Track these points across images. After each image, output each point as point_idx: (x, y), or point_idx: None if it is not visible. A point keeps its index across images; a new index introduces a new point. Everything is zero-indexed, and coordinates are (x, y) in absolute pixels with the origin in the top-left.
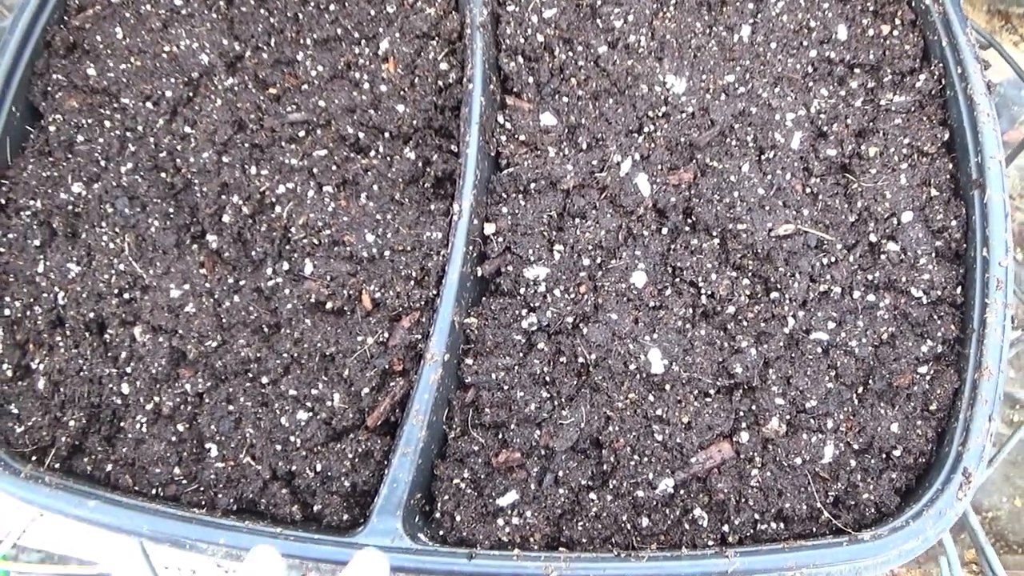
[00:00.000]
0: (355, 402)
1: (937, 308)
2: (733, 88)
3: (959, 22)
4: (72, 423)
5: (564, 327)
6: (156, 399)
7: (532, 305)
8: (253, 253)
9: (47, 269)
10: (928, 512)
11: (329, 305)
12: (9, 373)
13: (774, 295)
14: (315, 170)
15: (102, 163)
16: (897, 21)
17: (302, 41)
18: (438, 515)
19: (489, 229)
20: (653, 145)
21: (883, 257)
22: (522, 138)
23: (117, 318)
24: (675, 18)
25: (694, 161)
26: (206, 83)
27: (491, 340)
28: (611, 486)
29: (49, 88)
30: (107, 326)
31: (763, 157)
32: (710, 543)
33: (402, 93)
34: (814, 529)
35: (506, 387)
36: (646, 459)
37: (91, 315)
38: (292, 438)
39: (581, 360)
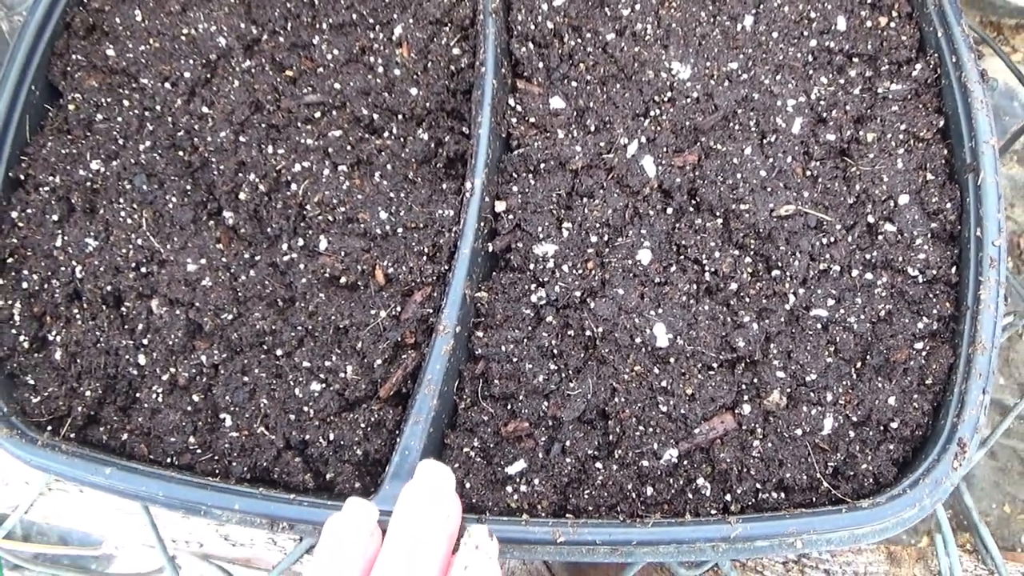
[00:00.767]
0: (368, 373)
1: (933, 287)
2: (736, 75)
3: (954, 14)
4: (88, 393)
5: (572, 301)
6: (172, 370)
7: (541, 280)
8: (269, 229)
9: (65, 244)
10: (925, 481)
11: (343, 280)
12: (26, 345)
13: (775, 273)
14: (330, 150)
15: (120, 141)
16: (894, 13)
17: (318, 26)
18: None
19: (500, 207)
20: (659, 128)
21: (880, 238)
22: (532, 120)
23: (134, 291)
24: (680, 7)
25: (698, 144)
26: (224, 65)
27: (501, 314)
28: (617, 456)
29: (68, 68)
30: (124, 299)
31: (765, 141)
32: (713, 511)
33: (415, 77)
34: (814, 499)
35: (515, 359)
36: (651, 430)
37: (108, 288)
38: (305, 408)
39: (588, 333)
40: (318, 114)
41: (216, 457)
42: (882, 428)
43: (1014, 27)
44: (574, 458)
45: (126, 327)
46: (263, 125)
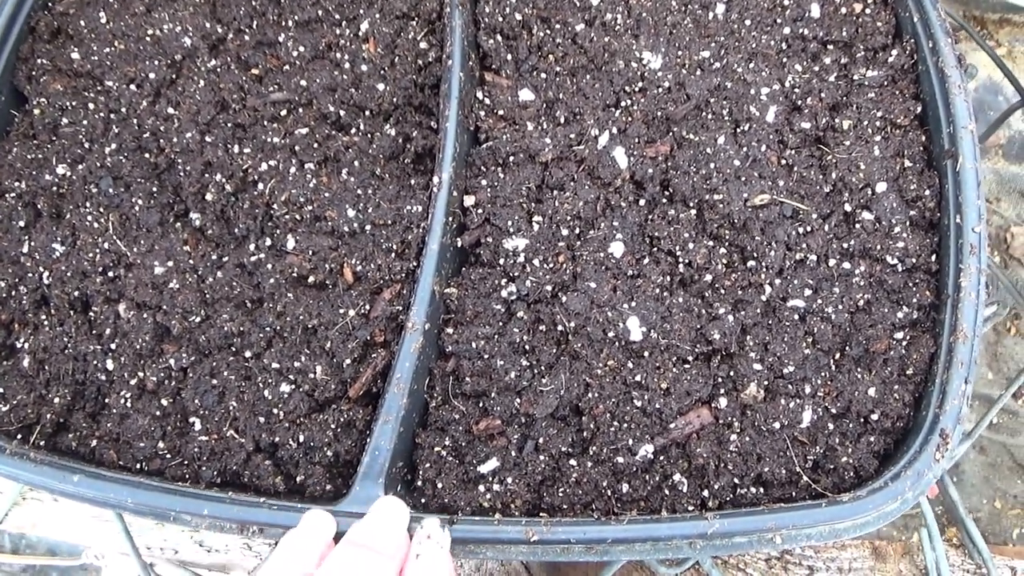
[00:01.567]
0: (337, 373)
1: (912, 275)
2: (708, 64)
3: None
4: (57, 400)
5: (543, 296)
6: (140, 374)
7: (511, 275)
8: (236, 230)
9: (32, 249)
10: (906, 474)
11: (311, 279)
12: None
13: (751, 263)
14: (297, 148)
15: (86, 145)
16: None
17: (284, 23)
18: (420, 483)
19: (469, 201)
20: (630, 119)
21: (858, 226)
22: (501, 113)
23: (101, 296)
24: None
25: (670, 134)
26: (189, 65)
27: (471, 310)
28: (591, 452)
29: (34, 72)
30: (91, 304)
31: (739, 130)
32: (690, 508)
33: (382, 72)
34: (793, 493)
35: (486, 356)
36: (625, 425)
37: (76, 293)
38: (275, 410)
39: (560, 328)
40: (284, 112)
41: (186, 462)
42: (862, 420)
43: (998, 21)
44: (547, 456)
45: (94, 332)
46: (229, 124)
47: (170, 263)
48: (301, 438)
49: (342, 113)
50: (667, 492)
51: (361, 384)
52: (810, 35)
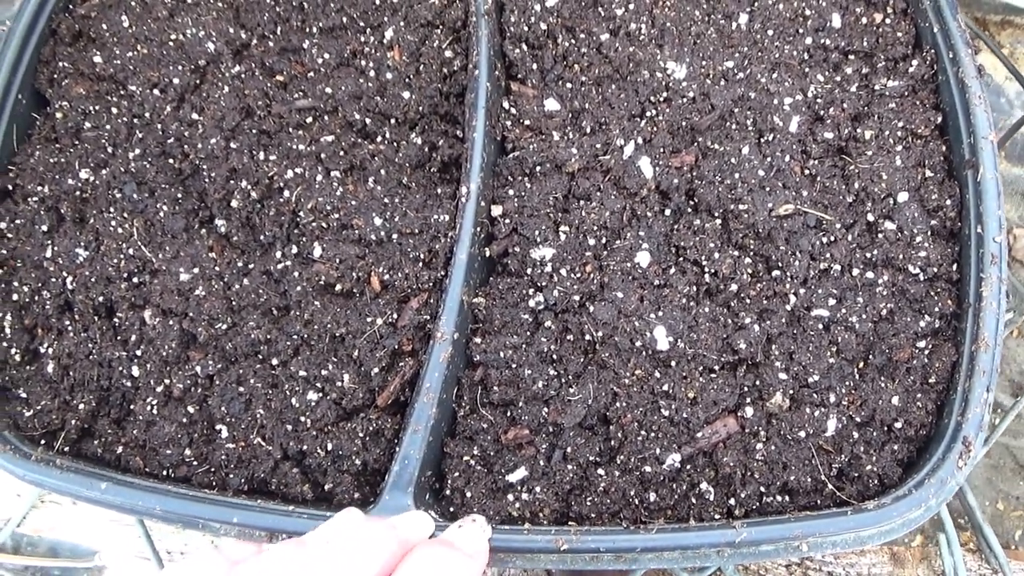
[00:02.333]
0: (365, 382)
1: (934, 284)
2: (732, 74)
3: (950, 9)
4: (82, 406)
5: (571, 306)
6: (166, 381)
7: (539, 285)
8: (262, 237)
9: (55, 254)
10: (930, 481)
11: (338, 287)
12: (18, 358)
13: (775, 273)
14: (323, 155)
15: (109, 149)
16: (889, 9)
17: (308, 30)
18: (448, 492)
19: (496, 211)
20: (655, 129)
21: (880, 236)
22: (527, 123)
23: (126, 302)
24: (674, 6)
25: (695, 144)
26: (213, 70)
27: (499, 319)
28: (619, 461)
29: (55, 76)
30: (116, 310)
31: (762, 140)
32: (717, 516)
33: (407, 80)
34: (818, 501)
35: (514, 365)
36: (653, 434)
37: (100, 299)
38: (303, 418)
39: (588, 338)
40: (310, 119)
41: (213, 469)
42: (886, 428)
43: (999, 23)
44: (575, 465)
45: (119, 338)
46: (254, 131)
47: (196, 270)
48: (329, 446)
49: (368, 121)
50: (694, 501)
51: (389, 393)
52: (832, 45)
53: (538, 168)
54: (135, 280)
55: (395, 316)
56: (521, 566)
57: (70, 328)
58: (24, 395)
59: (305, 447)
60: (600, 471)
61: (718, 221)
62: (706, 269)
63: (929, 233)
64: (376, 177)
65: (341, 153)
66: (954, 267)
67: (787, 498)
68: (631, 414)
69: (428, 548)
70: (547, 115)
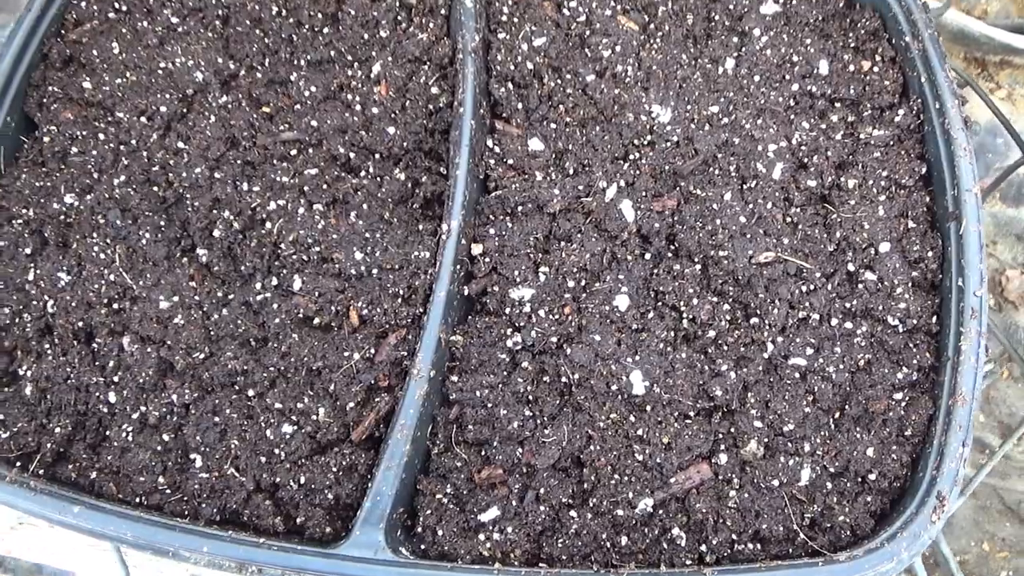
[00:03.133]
0: (340, 416)
1: (913, 336)
2: (717, 119)
3: (938, 59)
4: (58, 430)
5: (548, 347)
6: (142, 408)
7: (517, 325)
8: (242, 268)
9: (37, 277)
10: (903, 535)
11: (317, 320)
12: None
13: (754, 320)
14: (306, 188)
15: (95, 175)
16: (877, 57)
17: (296, 62)
18: (420, 529)
19: (476, 249)
20: (638, 172)
21: (861, 286)
22: (510, 162)
23: (106, 327)
24: (661, 49)
25: (678, 189)
26: (200, 100)
27: (476, 358)
28: (591, 504)
29: (44, 100)
30: (95, 335)
31: (745, 186)
32: (688, 562)
33: (393, 115)
34: (790, 550)
35: (490, 404)
36: (626, 478)
37: (80, 324)
38: (276, 450)
39: (564, 380)
40: (294, 151)
41: (185, 498)
42: (860, 479)
43: (998, 63)
44: (548, 506)
45: (97, 364)
46: (239, 161)
47: (176, 298)
48: (302, 479)
49: (352, 155)
50: (665, 546)
51: (364, 428)
52: (818, 92)
53: (520, 208)
54: (115, 306)
55: (372, 351)
56: None
57: (49, 352)
58: (1, 416)
59: (278, 479)
60: (572, 513)
61: (698, 267)
62: (684, 314)
63: (910, 284)
64: (358, 211)
65: (324, 186)
66: (934, 319)
67: (759, 546)
68: (605, 457)
69: None
70: (531, 155)
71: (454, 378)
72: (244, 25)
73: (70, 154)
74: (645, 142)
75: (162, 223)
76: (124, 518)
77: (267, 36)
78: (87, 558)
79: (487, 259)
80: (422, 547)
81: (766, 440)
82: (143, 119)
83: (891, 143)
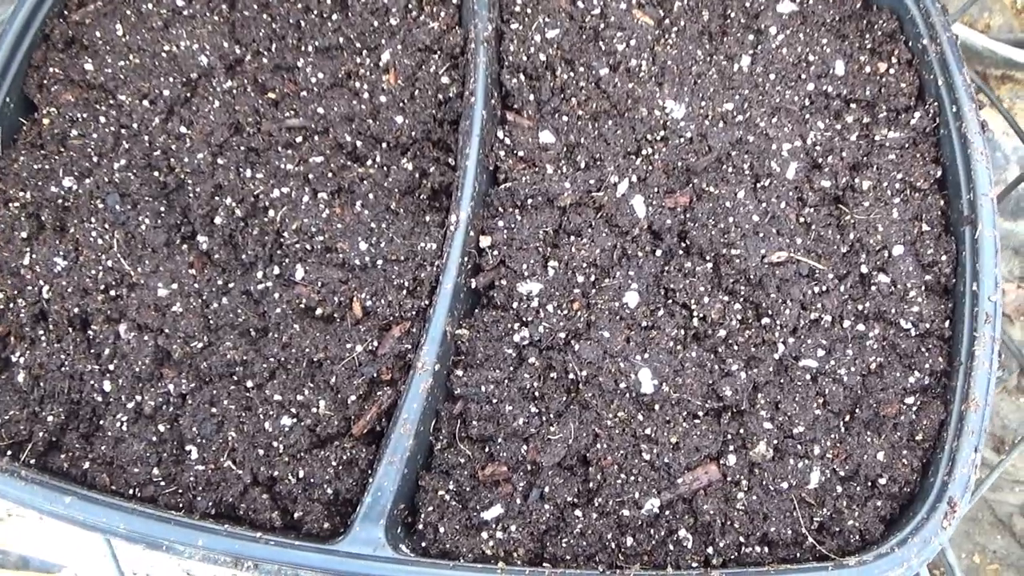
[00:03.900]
0: (341, 409)
1: (925, 340)
2: (731, 116)
3: (955, 62)
4: (51, 418)
5: (556, 343)
6: (138, 398)
7: (524, 319)
8: (244, 256)
9: (33, 262)
10: (913, 540)
11: (319, 311)
12: None
13: (765, 321)
14: (311, 176)
15: (95, 159)
16: (893, 60)
17: (303, 48)
18: (421, 526)
19: (484, 242)
20: (650, 168)
21: (873, 288)
22: (521, 154)
23: (102, 314)
24: (676, 45)
25: (690, 185)
26: (204, 84)
27: (482, 353)
28: (597, 504)
29: (45, 81)
30: (91, 322)
31: (759, 185)
32: (694, 564)
33: (402, 105)
34: (798, 554)
35: (495, 400)
36: (633, 478)
37: (75, 310)
38: (275, 443)
39: (571, 376)
40: (300, 139)
41: (180, 490)
42: (870, 484)
43: (1000, 77)
44: (552, 505)
45: (92, 351)
46: (242, 148)
47: (174, 285)
48: (301, 473)
49: (358, 144)
50: (671, 547)
51: (365, 422)
52: (834, 92)
53: (530, 201)
54: (112, 293)
55: (375, 344)
56: None
57: (43, 338)
58: None
59: (276, 473)
60: (577, 512)
61: (709, 265)
62: (695, 313)
63: (923, 288)
64: (364, 201)
65: (329, 175)
66: (947, 324)
67: (767, 549)
68: (611, 456)
69: None
70: (542, 147)
71: (459, 372)
72: (251, 9)
73: (70, 137)
74: (658, 137)
75: (162, 209)
76: (117, 510)
77: (274, 21)
78: (77, 551)
79: (495, 252)
80: (423, 544)
81: (775, 442)
82: (145, 103)
83: (906, 145)
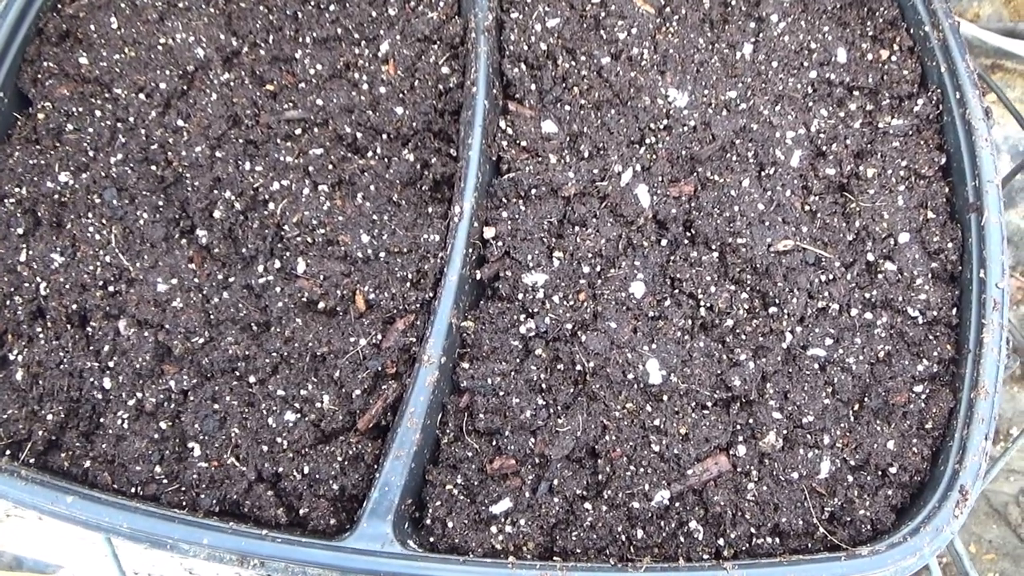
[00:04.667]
0: (346, 404)
1: (933, 328)
2: (735, 104)
3: (958, 49)
4: (50, 417)
5: (562, 334)
6: (139, 395)
7: (530, 311)
8: (244, 250)
9: (29, 258)
10: (925, 529)
11: (321, 305)
12: None
13: (772, 310)
14: (311, 168)
15: (91, 153)
16: (895, 47)
17: (301, 39)
18: (429, 521)
19: (489, 233)
20: (654, 157)
21: (880, 276)
22: (523, 144)
23: (101, 311)
24: (678, 33)
25: (695, 174)
26: (201, 77)
27: (488, 345)
28: (606, 496)
29: (39, 75)
30: (90, 319)
31: (763, 173)
32: (705, 556)
33: (402, 95)
34: (809, 544)
35: (502, 393)
36: (642, 470)
37: (74, 307)
38: (279, 439)
39: (579, 368)
40: (299, 131)
41: (183, 488)
42: (880, 473)
43: (990, 67)
44: (562, 498)
45: (91, 348)
46: (241, 141)
47: (174, 280)
48: (306, 469)
49: (359, 135)
50: (682, 539)
51: (371, 416)
52: (836, 80)
53: (533, 191)
54: (111, 289)
55: (380, 337)
56: None
57: (41, 335)
58: None
59: (280, 469)
60: (587, 505)
61: (715, 254)
62: (702, 302)
63: (930, 276)
64: (365, 193)
65: (330, 167)
66: (954, 311)
67: (778, 540)
68: (620, 448)
69: None
70: (544, 137)
71: (465, 365)
72: (248, 1)
73: (65, 131)
74: (661, 126)
75: (160, 203)
76: (120, 508)
77: (271, 12)
78: (76, 552)
79: (499, 243)
80: (431, 540)
81: (785, 432)
82: (142, 96)
83: (910, 133)
